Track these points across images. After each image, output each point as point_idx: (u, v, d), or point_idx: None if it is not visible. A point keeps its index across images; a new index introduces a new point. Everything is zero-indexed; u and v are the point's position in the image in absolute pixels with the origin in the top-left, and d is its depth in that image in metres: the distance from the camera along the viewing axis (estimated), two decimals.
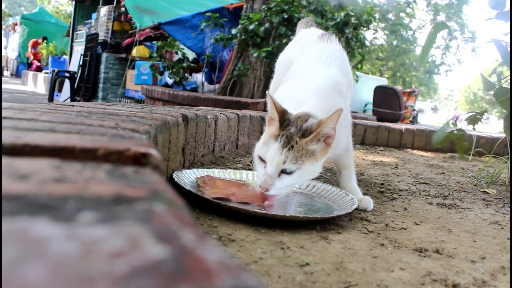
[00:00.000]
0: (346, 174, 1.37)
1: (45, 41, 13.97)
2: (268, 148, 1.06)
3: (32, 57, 14.10)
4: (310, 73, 1.34)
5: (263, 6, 4.60)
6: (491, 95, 1.80)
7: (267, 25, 4.51)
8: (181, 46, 5.92)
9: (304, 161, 1.04)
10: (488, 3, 1.72)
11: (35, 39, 14.27)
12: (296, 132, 1.06)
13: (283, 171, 1.05)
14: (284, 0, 4.35)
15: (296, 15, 4.30)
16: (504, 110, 1.78)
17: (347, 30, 4.61)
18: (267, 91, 1.18)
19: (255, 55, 4.32)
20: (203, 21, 5.27)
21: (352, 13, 4.58)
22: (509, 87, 1.79)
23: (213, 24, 5.13)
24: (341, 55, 1.46)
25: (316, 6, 4.69)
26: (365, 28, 4.95)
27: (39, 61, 13.78)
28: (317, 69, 1.35)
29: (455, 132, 1.89)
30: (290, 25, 4.25)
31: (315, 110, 1.14)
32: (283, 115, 1.10)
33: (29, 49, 14.29)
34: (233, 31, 4.67)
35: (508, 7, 1.68)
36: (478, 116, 1.86)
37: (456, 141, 1.89)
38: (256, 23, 4.44)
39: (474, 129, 1.94)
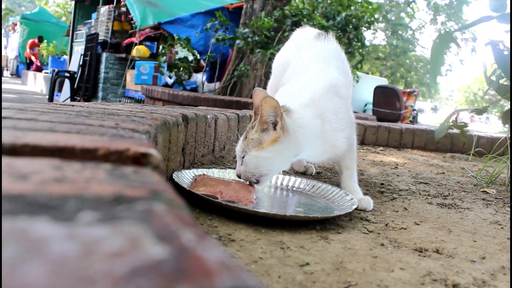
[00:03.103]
0: (347, 175, 1.37)
1: (43, 41, 13.94)
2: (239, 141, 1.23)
3: (33, 57, 14.09)
4: (309, 74, 1.36)
5: (278, 8, 4.61)
6: (491, 95, 1.81)
7: (275, 25, 4.52)
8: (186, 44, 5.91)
9: (250, 148, 1.16)
10: (489, 6, 1.71)
11: (31, 40, 14.26)
12: (253, 124, 1.19)
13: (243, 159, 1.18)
14: (298, 7, 4.39)
15: (305, 20, 4.32)
16: (506, 104, 1.79)
17: (348, 30, 4.61)
18: (254, 89, 1.25)
19: (259, 55, 4.33)
20: (209, 20, 5.26)
21: (352, 14, 4.58)
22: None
23: (220, 25, 5.12)
24: (339, 54, 1.46)
25: (327, 11, 4.70)
26: (366, 29, 4.95)
27: (38, 60, 13.76)
28: (316, 71, 1.37)
29: (458, 123, 1.91)
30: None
31: (305, 112, 1.21)
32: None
33: (27, 50, 14.28)
34: (244, 31, 4.64)
35: (508, 10, 1.68)
36: (482, 109, 1.88)
37: (458, 128, 1.91)
38: (268, 27, 4.46)
39: (479, 118, 1.99)
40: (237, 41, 4.79)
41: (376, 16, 5.03)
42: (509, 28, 1.70)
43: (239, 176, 1.20)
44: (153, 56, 7.25)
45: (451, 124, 1.90)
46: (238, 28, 5.02)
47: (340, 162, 1.39)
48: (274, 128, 1.15)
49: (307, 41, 1.56)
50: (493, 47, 1.71)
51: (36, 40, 14.13)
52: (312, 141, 1.22)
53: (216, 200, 1.06)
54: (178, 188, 1.11)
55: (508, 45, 1.71)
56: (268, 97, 1.12)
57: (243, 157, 1.17)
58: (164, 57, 5.62)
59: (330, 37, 1.53)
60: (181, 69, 5.39)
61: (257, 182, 1.19)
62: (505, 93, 1.73)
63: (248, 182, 1.21)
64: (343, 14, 4.55)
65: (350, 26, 4.58)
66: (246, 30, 4.60)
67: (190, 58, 5.96)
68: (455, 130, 2.00)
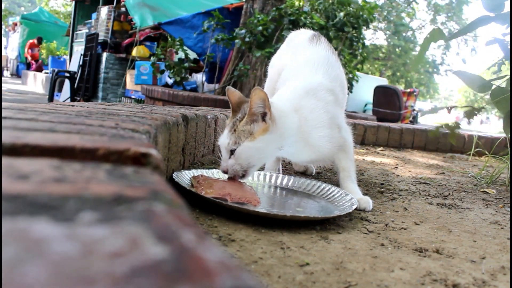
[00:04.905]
0: (344, 176, 1.37)
1: (42, 42, 13.92)
2: (221, 135, 1.24)
3: (29, 58, 14.07)
4: (295, 81, 1.40)
5: (273, 8, 4.62)
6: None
7: (272, 26, 4.53)
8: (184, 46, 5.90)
9: (243, 140, 1.18)
10: (483, 5, 1.70)
11: (31, 41, 14.23)
12: (239, 118, 1.21)
13: (232, 152, 1.19)
14: (293, 6, 4.40)
15: (303, 19, 4.32)
16: (499, 112, 1.77)
17: (346, 29, 4.61)
18: (227, 88, 1.31)
19: (258, 54, 4.33)
20: (206, 21, 5.25)
21: (350, 13, 4.58)
22: (505, 86, 1.78)
23: (216, 24, 5.12)
24: (329, 59, 1.48)
25: (327, 11, 4.70)
26: (365, 28, 4.95)
27: (36, 61, 13.75)
28: (302, 77, 1.41)
29: (450, 124, 1.88)
30: (295, 29, 4.29)
31: (283, 103, 1.28)
32: (238, 105, 1.26)
33: (26, 50, 14.26)
34: (241, 32, 4.64)
35: (506, 9, 1.67)
36: (475, 110, 1.85)
37: (449, 129, 1.89)
38: (263, 24, 4.46)
39: (469, 123, 1.94)
40: (236, 41, 4.79)
41: (375, 15, 5.01)
42: (507, 29, 1.70)
43: (225, 171, 1.20)
44: None
45: (443, 124, 1.88)
46: (238, 28, 5.01)
47: (336, 163, 1.39)
48: (263, 119, 1.19)
49: (301, 44, 1.58)
50: (500, 43, 1.71)
51: (35, 41, 14.11)
52: (291, 134, 1.26)
53: (225, 202, 1.05)
54: (178, 188, 1.11)
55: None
56: (257, 89, 1.17)
57: (232, 150, 1.19)
58: (153, 58, 5.61)
59: (322, 40, 1.55)
60: (174, 69, 5.37)
61: (243, 175, 1.21)
62: (499, 97, 1.72)
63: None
64: (341, 14, 4.55)
65: (349, 25, 4.57)
66: (243, 31, 4.60)
67: (191, 58, 5.94)
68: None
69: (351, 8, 4.66)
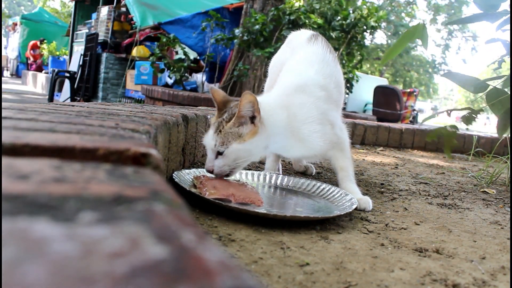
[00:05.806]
0: (343, 176, 1.36)
1: (43, 44, 13.94)
2: (206, 135, 1.23)
3: (31, 58, 14.08)
4: (289, 76, 1.42)
5: (272, 8, 4.62)
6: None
7: (271, 26, 4.54)
8: (182, 45, 5.90)
9: (231, 142, 1.18)
10: (476, 4, 1.68)
11: (34, 42, 14.24)
12: (226, 118, 1.21)
13: (219, 153, 1.19)
14: (292, 6, 4.42)
15: (303, 18, 4.33)
16: (495, 114, 1.76)
17: (351, 32, 4.62)
18: (210, 87, 1.32)
19: (258, 54, 4.34)
20: (204, 20, 5.26)
21: (357, 17, 4.58)
22: (501, 87, 1.78)
23: (215, 24, 5.12)
24: (324, 57, 1.48)
25: (325, 11, 4.71)
26: (369, 33, 4.95)
27: (36, 61, 13.76)
28: (295, 73, 1.43)
29: (447, 127, 1.86)
30: (295, 29, 4.31)
31: (271, 101, 1.29)
32: (224, 104, 1.26)
33: (28, 50, 14.27)
34: (236, 31, 4.66)
35: (501, 8, 1.66)
36: (473, 115, 1.83)
37: (445, 137, 1.87)
38: (262, 23, 4.47)
39: (467, 128, 1.93)
40: (235, 41, 4.80)
41: (381, 23, 5.02)
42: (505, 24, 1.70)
43: (210, 171, 1.21)
44: None
45: (441, 127, 1.87)
46: (240, 28, 5.02)
47: (333, 163, 1.39)
48: (252, 121, 1.20)
49: (300, 44, 1.59)
50: (503, 42, 1.72)
51: (38, 43, 14.12)
52: (279, 131, 1.26)
53: (225, 203, 1.05)
54: (178, 188, 1.11)
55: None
56: (247, 93, 1.18)
57: (220, 151, 1.19)
58: (152, 58, 5.61)
59: (319, 39, 1.55)
60: (173, 68, 5.37)
61: (228, 175, 1.22)
62: (494, 99, 1.71)
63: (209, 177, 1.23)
64: (353, 16, 4.56)
65: (355, 29, 4.58)
66: (240, 29, 4.62)
67: (191, 57, 5.94)
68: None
69: (354, 13, 4.66)
